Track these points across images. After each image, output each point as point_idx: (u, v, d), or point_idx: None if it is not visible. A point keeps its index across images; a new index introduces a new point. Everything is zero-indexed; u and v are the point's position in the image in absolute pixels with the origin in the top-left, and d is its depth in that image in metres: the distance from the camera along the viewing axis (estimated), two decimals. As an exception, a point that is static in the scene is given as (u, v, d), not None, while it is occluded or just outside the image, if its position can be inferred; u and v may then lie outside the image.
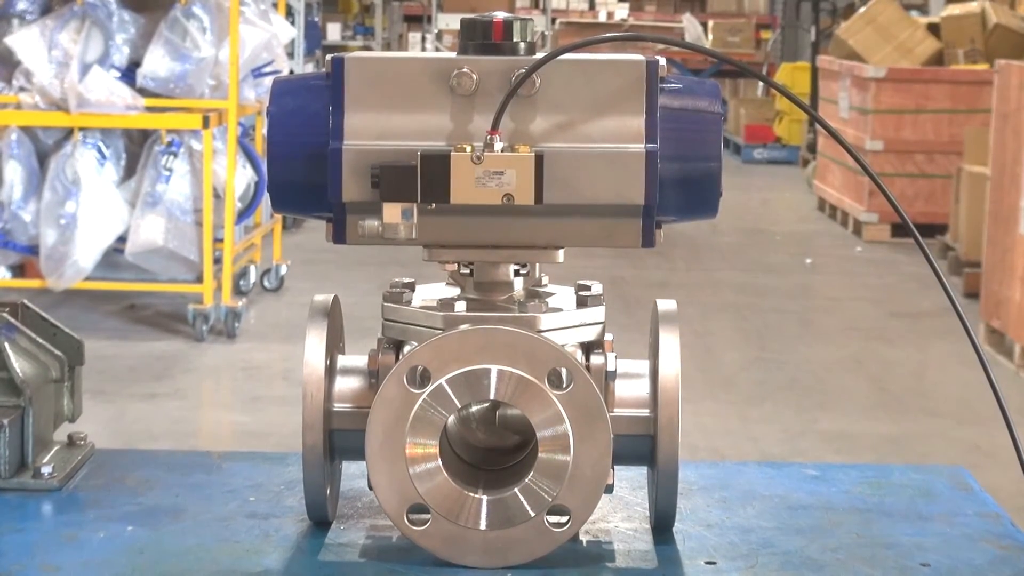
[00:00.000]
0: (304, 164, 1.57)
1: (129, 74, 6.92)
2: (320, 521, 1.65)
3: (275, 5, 8.41)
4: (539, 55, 1.57)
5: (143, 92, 6.81)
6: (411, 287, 1.66)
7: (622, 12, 19.32)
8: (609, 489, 1.57)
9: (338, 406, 1.62)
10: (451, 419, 1.56)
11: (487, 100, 1.55)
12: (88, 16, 6.86)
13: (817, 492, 1.80)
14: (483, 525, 1.54)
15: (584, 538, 1.63)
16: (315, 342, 1.61)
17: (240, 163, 7.27)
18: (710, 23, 18.50)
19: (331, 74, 1.56)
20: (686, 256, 9.49)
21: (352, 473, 1.76)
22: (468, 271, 1.65)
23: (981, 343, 1.78)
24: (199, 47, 6.92)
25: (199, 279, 6.95)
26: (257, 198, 7.55)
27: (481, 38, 1.59)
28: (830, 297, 8.62)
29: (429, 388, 1.52)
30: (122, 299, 7.48)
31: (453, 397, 1.53)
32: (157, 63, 6.87)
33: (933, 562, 1.58)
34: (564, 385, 1.53)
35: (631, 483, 1.78)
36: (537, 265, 1.67)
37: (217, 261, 7.07)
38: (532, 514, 1.53)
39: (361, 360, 1.64)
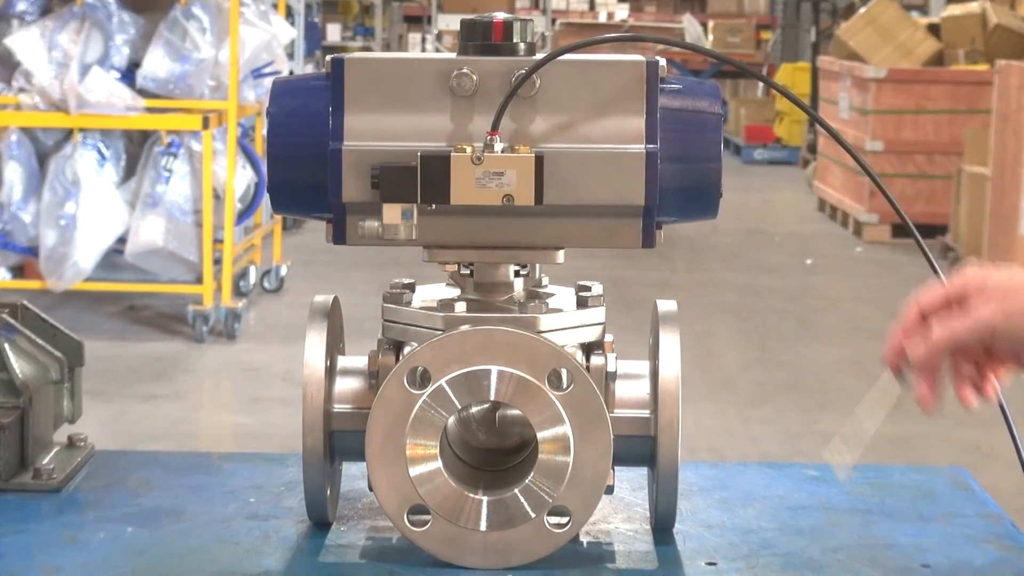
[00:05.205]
0: (304, 165, 1.57)
1: (129, 75, 6.91)
2: (320, 522, 1.65)
3: (275, 6, 8.40)
4: (539, 56, 1.57)
5: (143, 93, 6.80)
6: (411, 288, 1.66)
7: (622, 13, 19.31)
8: (609, 490, 1.56)
9: (338, 407, 1.61)
10: (451, 420, 1.56)
11: (487, 101, 1.55)
12: (88, 17, 6.86)
13: (817, 493, 1.80)
14: (483, 526, 1.54)
15: (584, 539, 1.63)
16: (315, 343, 1.61)
17: (240, 164, 7.26)
18: (710, 23, 18.50)
19: (331, 75, 1.56)
20: (686, 257, 9.49)
21: (352, 474, 1.76)
22: (468, 272, 1.65)
23: (981, 343, 1.78)
24: (199, 48, 6.91)
25: (199, 280, 6.94)
26: (257, 199, 7.54)
27: (481, 39, 1.58)
28: (830, 298, 8.61)
29: (429, 389, 1.52)
30: (122, 300, 7.47)
31: (453, 398, 1.53)
32: (157, 64, 6.86)
33: (933, 563, 1.58)
34: (564, 386, 1.52)
35: (631, 484, 1.78)
36: (537, 266, 1.67)
37: (217, 262, 7.06)
38: (532, 515, 1.53)
39: (361, 361, 1.64)
